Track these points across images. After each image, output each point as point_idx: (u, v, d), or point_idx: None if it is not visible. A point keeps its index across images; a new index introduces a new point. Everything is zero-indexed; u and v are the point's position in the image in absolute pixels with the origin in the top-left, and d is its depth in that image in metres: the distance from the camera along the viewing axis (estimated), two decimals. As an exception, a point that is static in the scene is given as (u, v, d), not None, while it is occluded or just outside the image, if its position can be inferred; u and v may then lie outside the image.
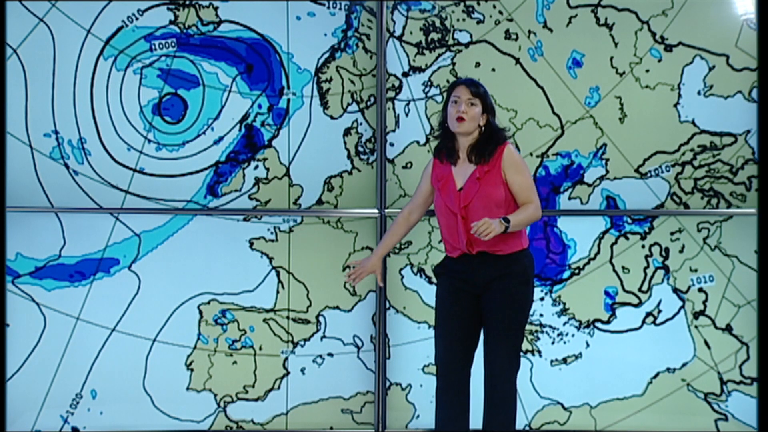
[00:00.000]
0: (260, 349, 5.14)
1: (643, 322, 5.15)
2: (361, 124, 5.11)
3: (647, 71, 5.10)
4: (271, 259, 5.12)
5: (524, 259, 4.24)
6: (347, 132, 5.12)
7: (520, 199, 4.21)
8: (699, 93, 5.10)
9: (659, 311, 5.14)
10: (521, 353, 4.38)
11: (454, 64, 5.09)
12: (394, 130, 5.10)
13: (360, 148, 5.11)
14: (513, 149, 4.24)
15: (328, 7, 5.09)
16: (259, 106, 5.10)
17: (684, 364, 5.14)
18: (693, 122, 5.11)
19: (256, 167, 5.10)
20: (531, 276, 4.27)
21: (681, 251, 5.13)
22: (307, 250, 5.12)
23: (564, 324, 5.14)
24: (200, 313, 5.12)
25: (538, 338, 5.13)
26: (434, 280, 5.09)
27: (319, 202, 5.12)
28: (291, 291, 5.13)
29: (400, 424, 5.14)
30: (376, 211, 5.09)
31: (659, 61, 5.10)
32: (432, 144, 5.07)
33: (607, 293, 5.15)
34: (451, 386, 4.28)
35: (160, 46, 5.07)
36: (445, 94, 4.37)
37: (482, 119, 4.24)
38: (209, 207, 5.09)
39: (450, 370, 4.28)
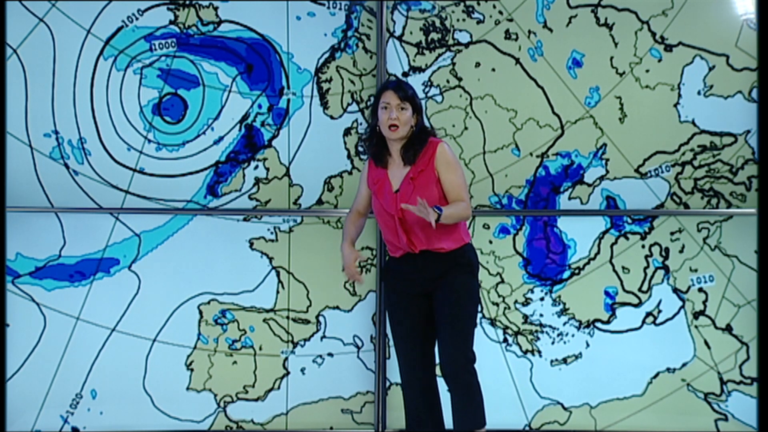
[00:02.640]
0: (260, 349, 5.14)
1: (643, 322, 5.14)
2: (361, 124, 5.11)
3: (647, 71, 5.10)
4: (271, 259, 5.12)
5: (468, 253, 4.29)
6: (347, 132, 5.12)
7: (451, 197, 4.24)
8: (699, 93, 5.10)
9: (659, 311, 5.14)
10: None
11: (454, 64, 5.09)
12: (394, 130, 5.10)
13: (360, 148, 5.11)
14: (446, 148, 4.28)
15: (328, 7, 5.09)
16: (259, 106, 5.10)
17: (684, 364, 5.14)
18: (693, 122, 5.11)
19: (256, 167, 5.10)
20: (476, 269, 4.32)
21: (681, 251, 5.13)
22: (307, 250, 5.12)
23: (564, 324, 5.14)
24: (200, 313, 5.12)
25: (538, 338, 5.13)
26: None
27: (319, 202, 5.12)
28: (291, 291, 5.13)
29: (400, 424, 5.14)
30: (376, 211, 5.08)
31: (659, 61, 5.10)
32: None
33: (607, 293, 5.15)
34: (417, 388, 4.34)
35: (160, 46, 5.07)
36: (373, 99, 4.37)
37: (413, 120, 4.27)
38: (209, 207, 5.09)
39: (414, 372, 4.33)
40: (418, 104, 4.31)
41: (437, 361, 4.38)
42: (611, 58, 5.10)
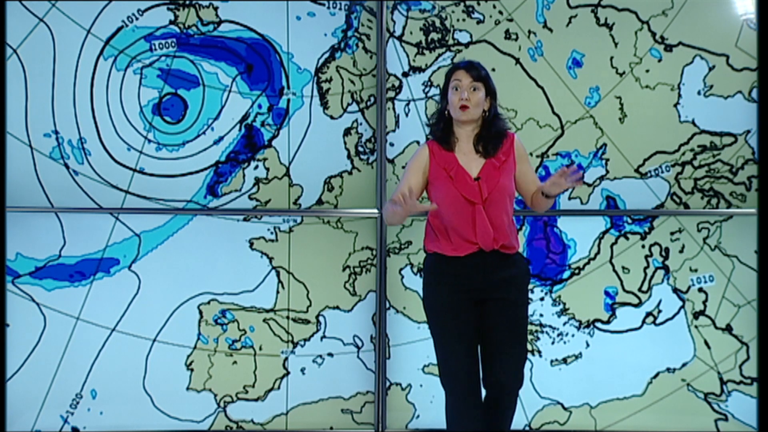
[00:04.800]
0: (260, 349, 5.14)
1: (643, 322, 5.15)
2: (361, 124, 5.11)
3: (647, 71, 5.10)
4: (271, 259, 5.12)
5: (524, 259, 4.10)
6: (347, 132, 5.12)
7: (534, 186, 4.04)
8: (699, 93, 5.10)
9: (659, 311, 5.14)
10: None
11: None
12: (394, 130, 5.10)
13: (360, 148, 5.11)
14: (520, 139, 4.07)
15: (328, 7, 5.09)
16: (259, 106, 5.10)
17: (684, 364, 5.15)
18: (693, 122, 5.11)
19: (256, 167, 5.10)
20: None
21: (681, 251, 5.13)
22: (307, 250, 5.12)
23: (564, 324, 5.14)
24: (200, 313, 5.12)
25: (538, 338, 5.13)
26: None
27: (319, 202, 5.12)
28: (291, 291, 5.13)
29: (400, 424, 5.14)
30: (376, 211, 5.09)
31: (659, 61, 5.10)
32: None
33: (607, 293, 5.15)
34: (471, 400, 3.96)
35: (160, 46, 5.07)
36: (444, 80, 4.07)
37: (486, 103, 3.98)
38: (209, 207, 5.09)
39: (471, 383, 3.93)
40: (492, 87, 4.00)
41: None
42: (611, 58, 5.10)
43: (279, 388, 5.15)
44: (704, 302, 5.14)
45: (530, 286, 5.08)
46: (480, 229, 3.90)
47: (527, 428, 5.14)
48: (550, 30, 5.09)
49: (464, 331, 3.93)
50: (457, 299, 3.93)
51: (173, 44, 5.07)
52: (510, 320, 3.95)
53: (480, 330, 3.98)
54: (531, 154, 5.08)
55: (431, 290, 4.00)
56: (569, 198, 5.11)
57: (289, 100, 5.10)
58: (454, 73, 4.00)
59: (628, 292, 5.14)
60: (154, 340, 5.11)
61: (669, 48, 5.10)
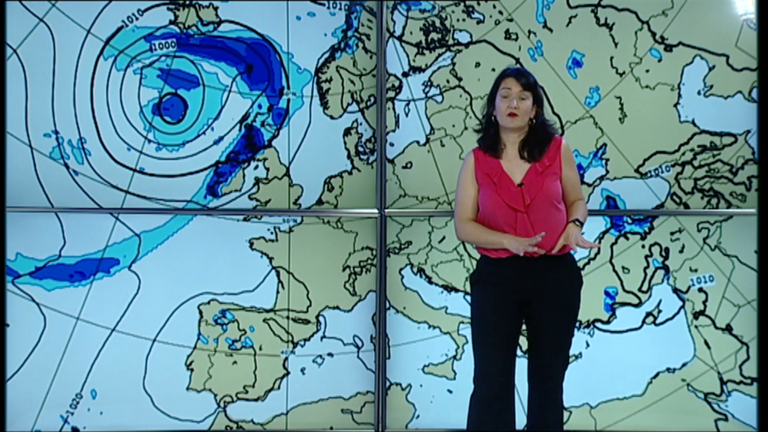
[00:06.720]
0: (260, 349, 5.14)
1: (643, 322, 5.15)
2: (361, 124, 5.11)
3: (647, 71, 5.10)
4: (271, 259, 5.12)
5: (576, 262, 4.08)
6: (347, 132, 5.12)
7: (572, 196, 4.05)
8: (699, 93, 5.10)
9: (659, 311, 5.14)
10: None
11: (454, 64, 5.09)
12: (394, 130, 5.10)
13: (360, 148, 5.11)
14: (568, 144, 4.10)
15: (328, 7, 5.09)
16: (259, 106, 5.10)
17: (684, 364, 5.15)
18: (693, 122, 5.11)
19: (256, 167, 5.10)
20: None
21: (681, 251, 5.13)
22: (307, 250, 5.12)
23: (564, 324, 5.13)
24: (200, 313, 5.12)
25: (538, 338, 5.13)
26: (435, 280, 5.11)
27: (319, 202, 5.12)
28: (291, 291, 5.13)
29: (400, 424, 5.14)
30: (376, 211, 5.09)
31: (659, 61, 5.10)
32: (432, 144, 5.08)
33: (607, 293, 5.15)
34: (501, 398, 4.05)
35: (160, 46, 5.07)
36: (492, 85, 4.10)
37: (532, 111, 4.03)
38: (209, 207, 5.09)
39: (501, 382, 4.03)
40: (540, 95, 4.06)
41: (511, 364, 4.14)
42: (611, 58, 5.10)
43: (279, 388, 5.15)
44: (704, 302, 5.14)
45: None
46: (521, 237, 3.92)
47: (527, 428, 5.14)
48: (550, 30, 5.09)
49: (503, 333, 4.02)
50: (500, 301, 4.00)
51: (173, 44, 5.07)
52: (560, 324, 4.02)
53: (526, 330, 4.08)
54: (531, 154, 5.09)
55: (476, 289, 4.07)
56: (569, 198, 5.11)
57: (289, 100, 5.10)
58: (503, 80, 4.04)
59: (628, 292, 5.14)
60: (154, 340, 5.11)
61: (669, 48, 5.10)
